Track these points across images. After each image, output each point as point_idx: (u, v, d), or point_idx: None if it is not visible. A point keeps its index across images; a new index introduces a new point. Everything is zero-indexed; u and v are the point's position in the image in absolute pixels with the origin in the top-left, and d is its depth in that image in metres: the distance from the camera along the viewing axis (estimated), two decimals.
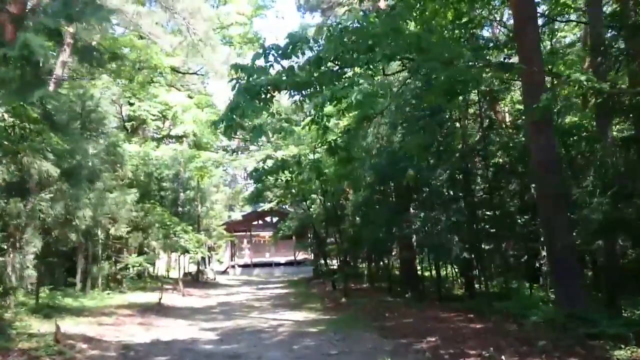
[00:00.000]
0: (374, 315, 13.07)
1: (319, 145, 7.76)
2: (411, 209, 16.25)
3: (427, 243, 13.76)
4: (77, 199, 12.28)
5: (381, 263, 23.46)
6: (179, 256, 33.87)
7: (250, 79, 5.87)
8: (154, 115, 21.79)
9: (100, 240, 18.86)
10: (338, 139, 7.62)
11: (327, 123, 7.32)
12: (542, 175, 9.17)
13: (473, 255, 13.82)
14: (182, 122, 22.58)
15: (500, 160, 13.78)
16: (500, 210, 13.87)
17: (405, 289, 17.97)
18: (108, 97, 20.34)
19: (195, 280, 30.48)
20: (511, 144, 13.25)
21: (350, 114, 8.32)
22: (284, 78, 6.03)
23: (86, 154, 14.92)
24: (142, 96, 21.97)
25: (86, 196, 13.01)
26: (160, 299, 17.04)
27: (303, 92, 6.33)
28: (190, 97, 23.39)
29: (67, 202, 11.95)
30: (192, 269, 33.44)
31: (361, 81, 5.76)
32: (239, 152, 30.96)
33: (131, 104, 22.10)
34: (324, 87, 6.02)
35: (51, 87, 17.15)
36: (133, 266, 18.10)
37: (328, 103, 6.00)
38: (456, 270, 19.41)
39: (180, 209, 34.88)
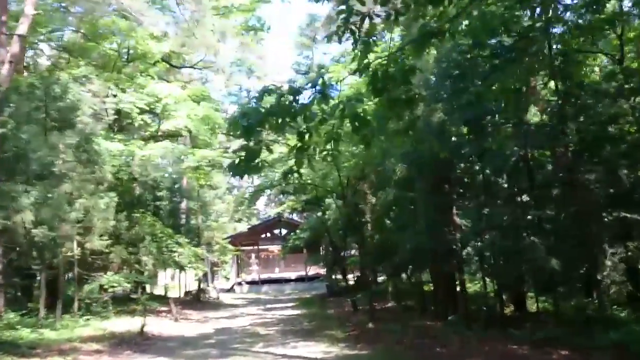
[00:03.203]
0: (422, 351, 9.62)
1: (358, 72, 4.52)
2: (454, 208, 12.84)
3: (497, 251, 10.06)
4: (12, 198, 8.99)
5: (409, 278, 20.05)
6: (180, 273, 30.64)
7: None
8: (140, 109, 18.55)
9: (75, 256, 15.57)
10: (389, 63, 4.35)
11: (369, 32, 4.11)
12: None
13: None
14: (174, 116, 19.34)
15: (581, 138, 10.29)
16: (579, 207, 10.36)
17: (444, 309, 14.51)
18: (81, 86, 17.26)
19: (196, 299, 27.09)
20: (602, 117, 9.81)
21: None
22: None
23: (40, 146, 11.73)
24: (127, 86, 18.79)
25: (29, 196, 9.67)
26: (142, 327, 13.65)
27: None
28: (184, 88, 20.23)
29: None
30: (197, 287, 29.98)
31: None
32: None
33: (114, 96, 18.95)
34: None
35: (5, 68, 14.05)
36: (111, 287, 14.71)
37: None
38: (495, 283, 15.84)
39: (180, 220, 31.77)
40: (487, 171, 10.70)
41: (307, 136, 4.23)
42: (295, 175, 4.72)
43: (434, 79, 11.81)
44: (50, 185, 10.82)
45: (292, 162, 4.67)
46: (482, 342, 9.76)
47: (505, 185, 11.47)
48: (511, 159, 9.78)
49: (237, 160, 4.21)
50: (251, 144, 4.01)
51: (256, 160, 4.11)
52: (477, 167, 11.26)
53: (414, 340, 10.74)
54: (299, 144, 4.23)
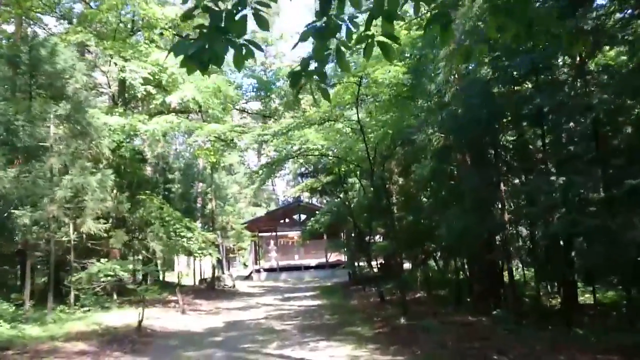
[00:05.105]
0: (474, 359, 7.62)
1: None
2: (502, 183, 10.75)
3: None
4: None
5: (441, 266, 18.08)
6: (194, 260, 28.88)
7: None
8: (143, 79, 16.68)
9: (72, 240, 13.89)
10: None
11: None
12: None
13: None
14: (181, 88, 17.45)
15: None
16: None
17: (484, 302, 12.52)
18: (73, 49, 15.50)
19: (210, 288, 25.40)
20: None
21: None
22: None
23: (7, 110, 9.94)
24: (130, 55, 16.93)
25: None
26: (140, 322, 11.90)
27: None
28: None
29: None
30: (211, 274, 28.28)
31: None
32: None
33: (115, 64, 17.20)
34: None
35: None
36: (106, 275, 12.96)
37: None
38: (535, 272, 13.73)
39: (194, 204, 30.10)
40: (557, 133, 8.56)
41: (334, 2, 2.27)
42: (316, 80, 2.68)
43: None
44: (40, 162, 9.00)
45: None
46: (552, 348, 7.74)
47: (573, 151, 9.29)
48: (592, 116, 7.59)
49: (192, 34, 2.29)
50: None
51: (235, 40, 2.17)
52: (539, 130, 9.11)
53: (460, 343, 8.76)
54: (321, 18, 2.27)
